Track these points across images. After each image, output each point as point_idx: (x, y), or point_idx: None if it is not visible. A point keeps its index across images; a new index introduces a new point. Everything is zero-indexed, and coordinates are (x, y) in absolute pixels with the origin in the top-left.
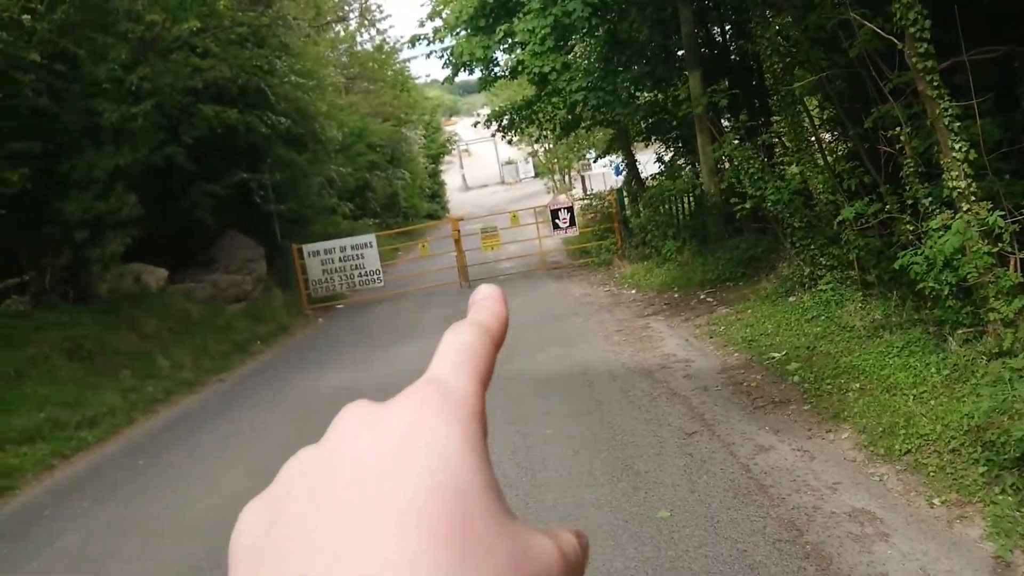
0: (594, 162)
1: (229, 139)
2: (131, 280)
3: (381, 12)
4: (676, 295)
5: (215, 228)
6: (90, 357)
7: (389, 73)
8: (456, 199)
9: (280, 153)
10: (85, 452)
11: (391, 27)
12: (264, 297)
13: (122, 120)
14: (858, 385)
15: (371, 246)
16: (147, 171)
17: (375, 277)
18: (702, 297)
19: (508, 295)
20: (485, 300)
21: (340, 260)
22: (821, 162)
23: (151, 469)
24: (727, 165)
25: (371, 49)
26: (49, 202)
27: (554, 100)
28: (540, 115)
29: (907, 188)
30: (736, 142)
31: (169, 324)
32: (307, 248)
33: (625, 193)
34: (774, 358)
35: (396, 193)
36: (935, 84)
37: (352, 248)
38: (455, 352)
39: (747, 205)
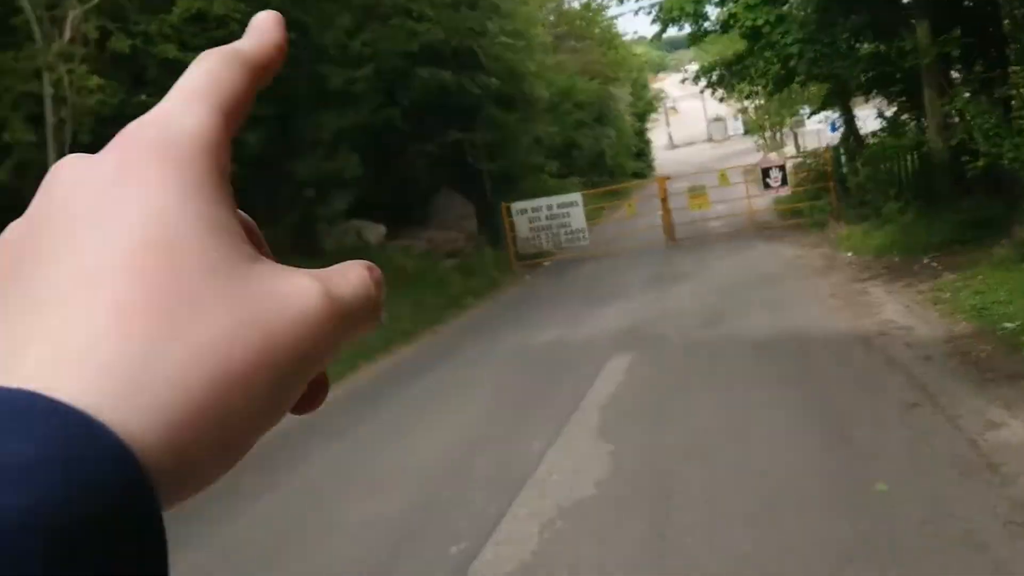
0: (808, 118)
1: (443, 100)
2: (353, 235)
3: None
4: (896, 259)
5: (429, 186)
6: None
7: (596, 31)
8: (662, 157)
9: (491, 113)
10: None
11: None
12: (475, 253)
13: (346, 84)
14: None
15: (577, 205)
16: (367, 132)
17: (580, 236)
18: (925, 262)
19: (715, 257)
20: (256, 24)
21: (547, 218)
22: None
23: (373, 415)
24: (957, 120)
25: (578, 7)
26: (282, 163)
27: (767, 54)
28: (752, 70)
29: None
30: (969, 95)
31: (388, 277)
32: (515, 206)
33: (842, 151)
34: (1007, 328)
35: (602, 152)
36: None
37: (559, 207)
38: (188, 80)
39: (980, 163)
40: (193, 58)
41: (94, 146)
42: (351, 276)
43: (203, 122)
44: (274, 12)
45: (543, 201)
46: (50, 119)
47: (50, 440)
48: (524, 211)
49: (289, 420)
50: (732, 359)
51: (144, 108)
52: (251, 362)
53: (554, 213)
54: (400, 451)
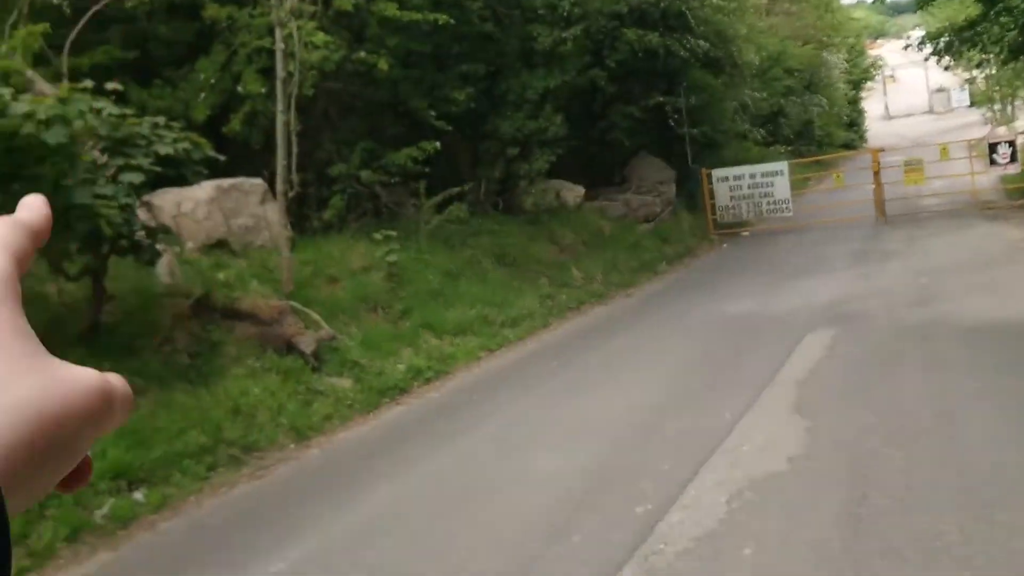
0: None
1: (648, 62)
2: (552, 195)
3: None
4: None
5: (629, 149)
6: (514, 263)
7: None
8: (876, 128)
9: (696, 76)
10: (507, 348)
11: None
12: (672, 219)
13: (553, 44)
14: None
15: (782, 174)
16: (572, 93)
17: (784, 206)
18: None
19: (929, 235)
20: (28, 203)
21: (749, 187)
22: None
23: (564, 371)
24: None
25: None
26: (488, 120)
27: (1003, 19)
28: (984, 36)
29: None
30: None
31: (583, 238)
32: (716, 173)
33: None
34: None
35: (811, 120)
36: None
37: (762, 175)
38: None
39: None
40: (410, 17)
41: (316, 99)
42: (119, 379)
43: (4, 266)
44: (40, 196)
45: (746, 169)
46: (280, 72)
47: None
48: (725, 178)
49: (487, 370)
50: (943, 343)
51: (362, 64)
52: (50, 418)
53: (757, 182)
54: (588, 408)
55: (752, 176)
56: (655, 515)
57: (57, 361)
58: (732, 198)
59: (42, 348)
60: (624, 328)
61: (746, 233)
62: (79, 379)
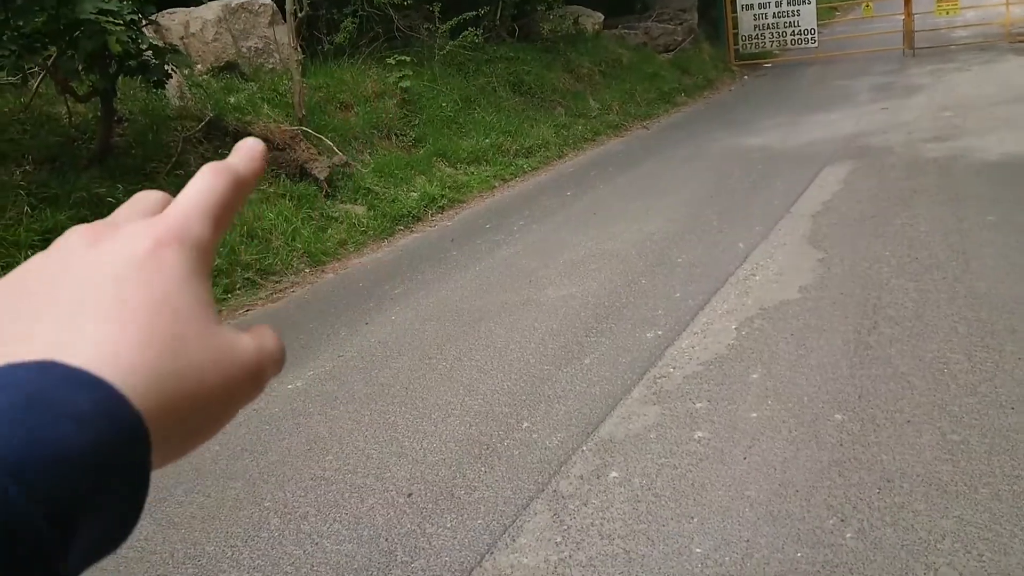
0: None
1: None
2: (570, 22)
3: None
4: None
5: None
6: (530, 92)
7: None
8: None
9: None
10: (521, 178)
11: None
12: (693, 49)
13: None
14: None
15: (808, 2)
16: None
17: (809, 37)
18: None
19: (957, 68)
20: (244, 150)
21: (774, 16)
22: None
23: (578, 201)
24: None
25: None
26: None
27: None
28: None
29: None
30: None
31: (601, 68)
32: (741, 1)
33: None
34: None
35: None
36: None
37: (788, 3)
38: (196, 194)
39: None
40: None
41: None
42: (271, 335)
43: (207, 235)
44: (260, 145)
45: None
46: None
47: (100, 400)
48: (750, 6)
49: (500, 199)
50: (964, 177)
51: None
52: (218, 379)
53: (783, 11)
54: (602, 237)
55: (778, 4)
56: (665, 340)
57: (227, 332)
58: (756, 27)
59: (216, 318)
60: (640, 160)
61: (769, 64)
62: (242, 349)
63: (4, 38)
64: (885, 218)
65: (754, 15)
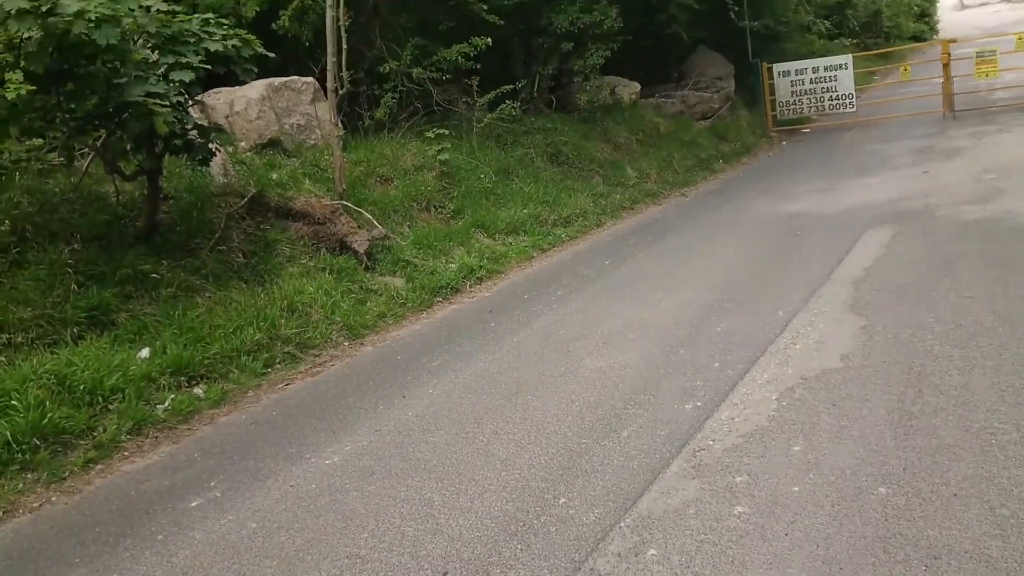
0: None
1: None
2: (607, 92)
3: None
4: None
5: (687, 44)
6: (567, 162)
7: None
8: (949, 19)
9: None
10: (559, 248)
11: None
12: (730, 115)
13: None
14: None
15: (846, 68)
16: None
17: (847, 101)
18: None
19: (997, 130)
20: None
21: (811, 82)
22: None
23: (616, 270)
24: None
25: None
26: (541, 14)
27: None
28: None
29: None
30: None
31: (638, 136)
32: (777, 68)
33: None
34: None
35: (879, 11)
36: None
37: (825, 69)
38: None
39: None
40: None
41: None
42: None
43: None
44: None
45: (808, 63)
46: None
47: None
48: (787, 73)
49: (538, 269)
50: (1008, 241)
51: None
52: None
53: (820, 76)
54: (640, 306)
55: (815, 70)
56: (704, 412)
57: None
58: (793, 93)
59: None
60: (678, 227)
61: (807, 130)
62: None
63: (56, 121)
64: (928, 284)
65: (791, 81)
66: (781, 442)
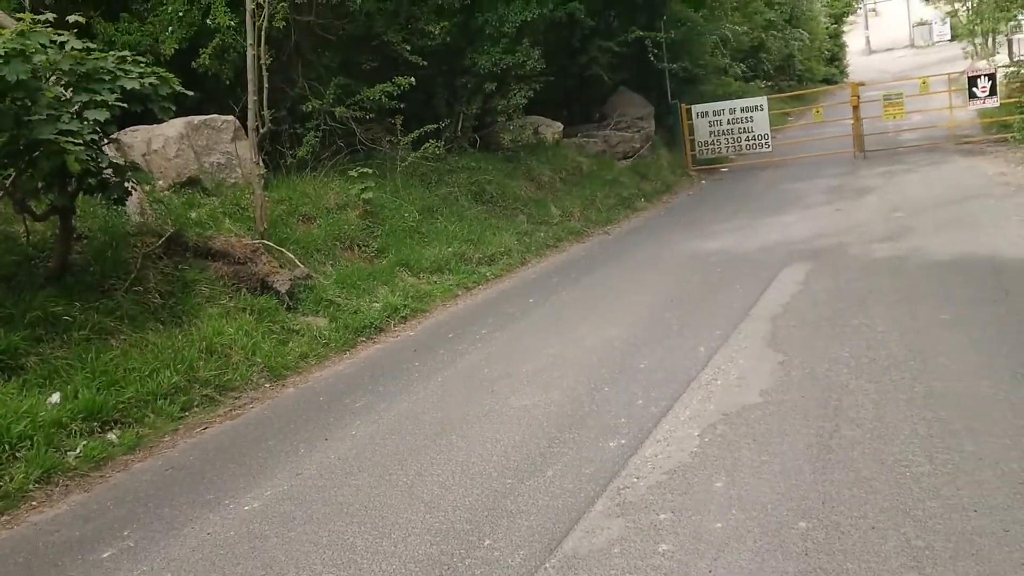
0: None
1: None
2: (530, 131)
3: None
4: None
5: (609, 85)
6: (492, 200)
7: None
8: (857, 63)
9: (676, 10)
10: (484, 286)
11: None
12: (651, 155)
13: None
14: None
15: (761, 109)
16: (550, 26)
17: (763, 141)
18: None
19: (906, 170)
20: None
21: (728, 122)
22: None
23: (541, 307)
24: None
25: None
26: (464, 54)
27: None
28: None
29: None
30: None
31: (562, 175)
32: (696, 108)
33: None
34: None
35: (792, 55)
36: None
37: (742, 110)
38: None
39: None
40: None
41: (288, 33)
42: None
43: None
44: None
45: (725, 104)
46: (249, 4)
47: None
48: (705, 114)
49: (463, 307)
50: (917, 277)
51: None
52: None
53: (736, 117)
54: (563, 345)
55: (732, 111)
56: (629, 449)
57: None
58: (711, 134)
59: None
60: (601, 265)
61: (725, 169)
62: None
63: None
64: (842, 319)
65: (709, 122)
66: (703, 478)
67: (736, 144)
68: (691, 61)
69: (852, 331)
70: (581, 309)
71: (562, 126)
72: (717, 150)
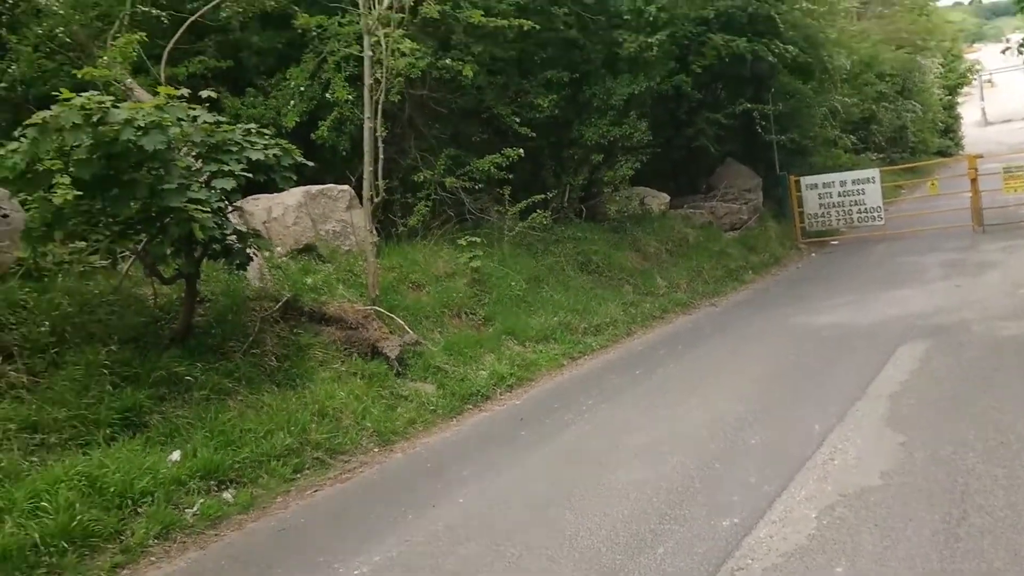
0: None
1: (735, 68)
2: (636, 202)
3: None
4: None
5: (715, 156)
6: (597, 271)
7: None
8: (973, 135)
9: (784, 82)
10: (590, 356)
11: None
12: (758, 227)
13: (639, 50)
14: None
15: (873, 181)
16: (657, 99)
17: (875, 214)
18: None
19: None
20: None
21: (839, 195)
22: None
23: (647, 379)
24: None
25: None
26: (572, 126)
27: None
28: None
29: None
30: None
31: (668, 246)
32: (805, 180)
33: None
34: None
35: (904, 126)
36: None
37: (853, 183)
38: None
39: None
40: (495, 23)
41: (402, 106)
42: None
43: None
44: None
45: (836, 176)
46: (367, 79)
47: None
48: (814, 186)
49: (569, 377)
50: None
51: (448, 71)
52: None
53: (847, 189)
54: (672, 417)
55: (842, 183)
56: (742, 529)
57: None
58: (821, 206)
59: None
60: (708, 337)
61: (835, 242)
62: None
63: (99, 224)
64: (967, 399)
65: (819, 194)
66: (823, 563)
67: (847, 217)
68: (800, 133)
69: (978, 412)
70: (689, 382)
71: (668, 197)
72: (827, 223)
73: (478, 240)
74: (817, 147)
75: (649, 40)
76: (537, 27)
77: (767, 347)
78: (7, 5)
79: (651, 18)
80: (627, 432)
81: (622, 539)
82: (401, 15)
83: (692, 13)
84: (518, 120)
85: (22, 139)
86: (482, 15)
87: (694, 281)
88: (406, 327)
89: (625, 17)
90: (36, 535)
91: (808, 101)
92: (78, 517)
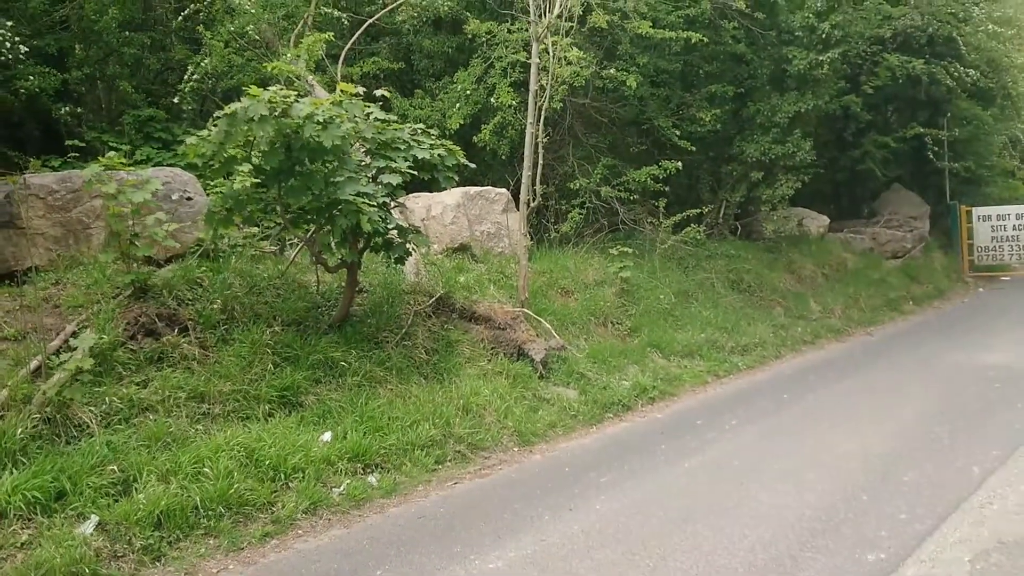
0: None
1: (909, 90)
2: (794, 223)
3: None
4: None
5: (881, 181)
6: (749, 290)
7: None
8: None
9: (962, 107)
10: (735, 376)
11: None
12: (923, 257)
13: (808, 67)
14: None
15: None
16: (823, 118)
17: None
18: None
19: None
20: None
21: (1014, 228)
22: None
23: (795, 405)
24: None
25: None
26: (732, 142)
27: None
28: None
29: None
30: None
31: (824, 271)
32: (978, 211)
33: None
34: None
35: None
36: None
37: None
38: None
39: None
40: (663, 35)
41: (564, 113)
42: None
43: None
44: None
45: (1013, 209)
46: (532, 86)
47: None
48: (987, 217)
49: (713, 395)
50: None
51: (611, 81)
52: None
53: None
54: (819, 446)
55: (1019, 217)
56: (889, 565)
57: None
58: (993, 239)
59: None
60: (862, 367)
61: (1007, 278)
62: None
63: (273, 212)
64: None
65: (991, 227)
66: None
67: (1021, 252)
68: (975, 161)
69: None
70: (839, 411)
71: (828, 220)
72: (999, 257)
73: (629, 250)
74: (993, 177)
75: (820, 58)
76: (705, 40)
77: (925, 383)
78: (205, 3)
79: (823, 35)
80: (771, 455)
81: (760, 562)
82: (570, 24)
83: (867, 32)
84: (678, 133)
85: (210, 129)
86: (650, 26)
87: (850, 308)
88: (552, 331)
89: (796, 33)
90: (197, 498)
91: (987, 128)
92: (235, 485)
